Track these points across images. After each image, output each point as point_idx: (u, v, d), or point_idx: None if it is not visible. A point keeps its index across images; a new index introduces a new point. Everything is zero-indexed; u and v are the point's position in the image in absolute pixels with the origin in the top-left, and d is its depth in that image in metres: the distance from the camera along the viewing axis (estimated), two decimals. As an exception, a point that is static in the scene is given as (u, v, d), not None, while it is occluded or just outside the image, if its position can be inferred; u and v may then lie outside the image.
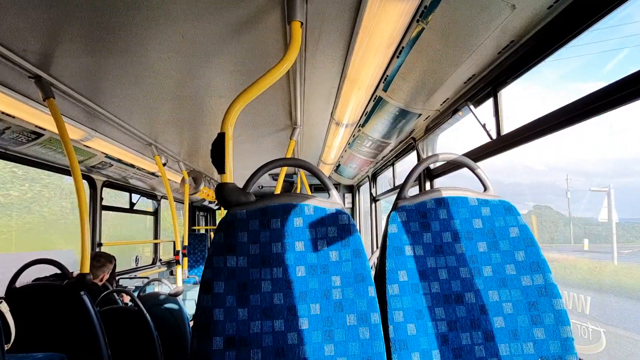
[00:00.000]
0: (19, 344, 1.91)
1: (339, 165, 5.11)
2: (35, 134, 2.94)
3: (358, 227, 6.61)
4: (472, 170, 1.45)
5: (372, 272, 1.28)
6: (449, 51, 1.79)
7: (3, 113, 2.52)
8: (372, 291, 1.21)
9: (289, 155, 3.25)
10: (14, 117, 2.61)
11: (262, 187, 7.22)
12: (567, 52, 1.53)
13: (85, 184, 4.38)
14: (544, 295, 1.25)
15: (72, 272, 2.28)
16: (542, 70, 1.70)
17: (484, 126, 2.04)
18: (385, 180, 4.84)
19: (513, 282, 1.28)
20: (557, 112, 1.51)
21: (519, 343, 1.21)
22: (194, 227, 8.75)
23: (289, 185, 6.78)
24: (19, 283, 2.26)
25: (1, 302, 1.69)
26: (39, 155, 3.35)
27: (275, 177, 6.03)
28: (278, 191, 3.75)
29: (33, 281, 2.52)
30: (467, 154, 2.19)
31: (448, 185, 1.44)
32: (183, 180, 5.05)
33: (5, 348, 1.72)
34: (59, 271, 2.39)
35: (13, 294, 2.15)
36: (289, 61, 1.54)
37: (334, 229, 1.27)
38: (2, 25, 1.71)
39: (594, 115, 1.35)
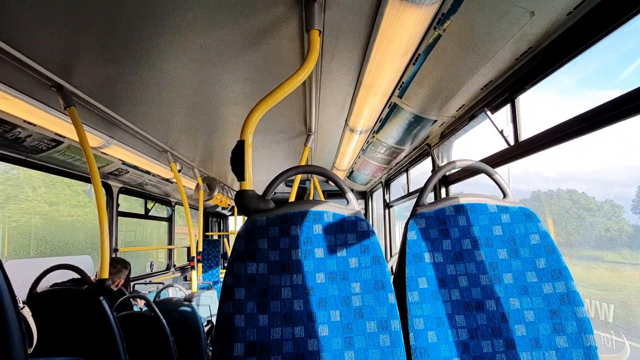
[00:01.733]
0: (40, 348, 1.94)
1: (352, 171, 5.11)
2: (55, 142, 3.00)
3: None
4: (491, 176, 1.44)
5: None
6: (465, 57, 1.79)
7: (25, 121, 2.58)
8: (392, 298, 1.20)
9: (303, 162, 3.27)
10: (35, 125, 2.67)
11: (276, 193, 7.25)
12: (587, 58, 1.51)
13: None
14: (566, 303, 1.24)
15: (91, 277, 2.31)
16: (560, 76, 1.68)
17: (501, 132, 2.03)
18: (398, 187, 4.82)
19: (534, 290, 1.26)
20: (578, 119, 1.49)
21: (541, 352, 1.20)
22: (208, 233, 8.81)
23: (302, 191, 6.80)
24: (39, 288, 2.30)
25: (24, 307, 1.72)
26: (57, 163, 3.41)
27: (289, 183, 6.05)
28: (293, 198, 3.77)
29: (51, 286, 2.56)
30: (484, 161, 2.18)
31: (464, 192, 1.43)
32: (197, 186, 5.09)
33: (29, 351, 1.75)
34: (76, 276, 2.42)
35: (34, 298, 2.19)
36: (307, 69, 1.55)
37: (353, 235, 1.27)
38: (26, 36, 1.76)
39: (615, 121, 1.34)
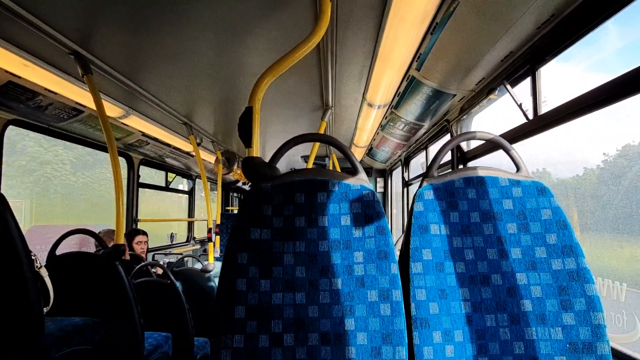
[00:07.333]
0: (57, 308, 2.02)
1: (372, 148, 5.06)
2: (76, 111, 3.05)
3: (390, 212, 6.57)
4: (507, 151, 1.39)
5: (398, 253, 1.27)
6: (485, 27, 1.72)
7: (46, 89, 2.63)
8: (394, 268, 1.19)
9: None
10: (55, 93, 2.72)
11: (294, 169, 7.24)
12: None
13: (123, 161, 4.54)
14: (576, 280, 1.20)
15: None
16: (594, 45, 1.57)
17: (520, 106, 1.96)
18: (417, 165, 4.76)
19: (543, 266, 1.23)
20: (599, 89, 1.42)
21: (547, 328, 1.17)
22: (228, 208, 8.92)
23: (320, 168, 6.77)
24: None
25: (41, 266, 1.79)
26: (78, 132, 3.48)
27: (306, 158, 6.04)
28: None
29: None
30: (503, 135, 2.11)
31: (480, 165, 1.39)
32: (217, 160, 5.13)
33: (46, 309, 1.82)
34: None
35: (54, 261, 2.27)
36: (317, 36, 1.51)
37: (358, 205, 1.26)
38: (43, 2, 1.77)
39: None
